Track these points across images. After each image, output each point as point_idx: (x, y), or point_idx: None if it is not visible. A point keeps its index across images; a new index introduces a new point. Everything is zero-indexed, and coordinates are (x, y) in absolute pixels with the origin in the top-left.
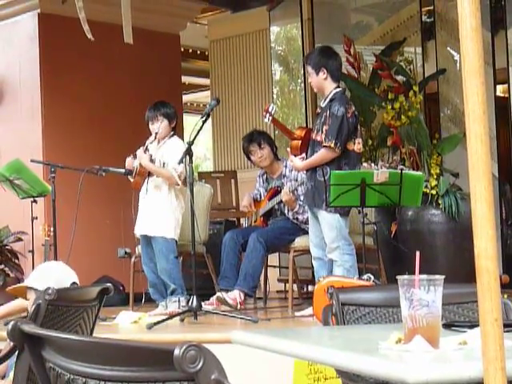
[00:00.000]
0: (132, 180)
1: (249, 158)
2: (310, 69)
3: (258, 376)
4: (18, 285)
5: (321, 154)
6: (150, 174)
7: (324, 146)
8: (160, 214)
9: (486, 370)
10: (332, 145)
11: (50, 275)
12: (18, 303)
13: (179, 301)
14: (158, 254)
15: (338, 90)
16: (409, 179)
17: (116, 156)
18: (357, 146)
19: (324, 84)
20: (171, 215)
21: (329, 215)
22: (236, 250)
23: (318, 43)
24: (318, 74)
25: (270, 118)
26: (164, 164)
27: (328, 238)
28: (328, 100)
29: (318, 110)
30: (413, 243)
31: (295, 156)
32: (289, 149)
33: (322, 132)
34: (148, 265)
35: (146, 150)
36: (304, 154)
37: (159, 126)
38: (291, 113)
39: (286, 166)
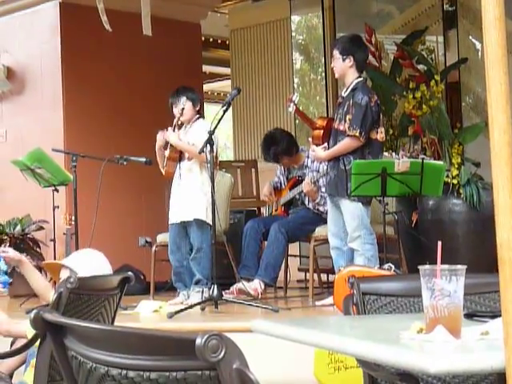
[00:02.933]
0: (163, 170)
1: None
2: (337, 53)
3: (278, 365)
4: (55, 261)
5: (345, 143)
6: (181, 159)
7: (348, 136)
8: (193, 198)
9: (508, 360)
10: (357, 134)
11: (89, 261)
12: (22, 331)
13: (202, 292)
14: (193, 241)
15: (359, 79)
16: (430, 169)
17: (137, 145)
18: (379, 134)
19: (348, 72)
20: (204, 198)
21: (351, 204)
22: (257, 239)
23: (339, 32)
24: (344, 60)
25: (294, 107)
26: (192, 145)
27: (350, 227)
28: (350, 89)
29: (340, 100)
30: (434, 233)
31: (317, 146)
32: (310, 138)
33: (345, 121)
34: (175, 253)
35: (175, 128)
36: (326, 144)
37: (183, 104)
38: (312, 102)
39: (308, 157)
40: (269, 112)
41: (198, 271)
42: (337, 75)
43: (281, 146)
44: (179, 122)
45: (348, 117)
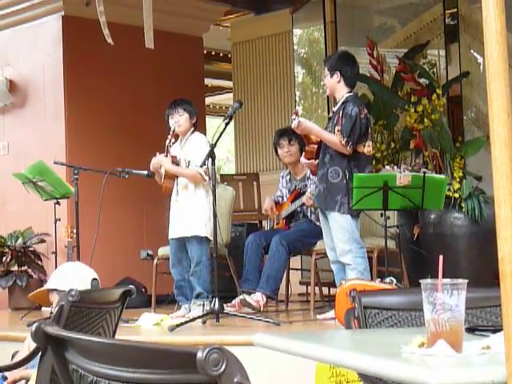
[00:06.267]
0: (162, 185)
1: (276, 152)
2: (326, 70)
3: (279, 379)
4: (39, 290)
5: (333, 138)
6: (178, 175)
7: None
8: (191, 214)
9: (509, 374)
10: (343, 142)
11: (71, 275)
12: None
13: (203, 305)
14: (192, 255)
15: (350, 94)
16: (431, 182)
17: (139, 158)
18: (367, 148)
19: (337, 87)
20: (201, 213)
21: (341, 217)
22: (259, 253)
23: (340, 46)
24: (332, 76)
25: (298, 120)
26: (189, 162)
27: (340, 241)
28: (340, 103)
29: (330, 115)
30: (435, 247)
31: (309, 159)
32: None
33: (334, 134)
34: (176, 267)
35: (167, 152)
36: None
37: (179, 118)
38: (313, 116)
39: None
40: (270, 125)
41: (199, 285)
42: (327, 92)
43: (299, 137)
44: (173, 136)
45: (337, 128)
